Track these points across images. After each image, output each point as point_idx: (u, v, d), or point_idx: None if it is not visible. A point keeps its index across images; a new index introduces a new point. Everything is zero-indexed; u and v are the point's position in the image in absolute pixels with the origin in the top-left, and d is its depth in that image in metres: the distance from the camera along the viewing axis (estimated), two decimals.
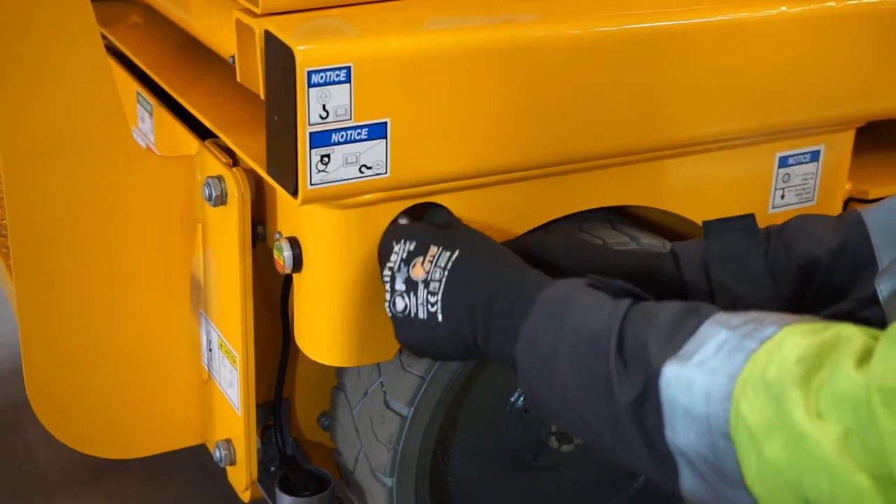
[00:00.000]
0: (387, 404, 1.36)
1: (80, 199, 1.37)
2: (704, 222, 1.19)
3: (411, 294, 1.13)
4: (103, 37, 1.73)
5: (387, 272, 1.16)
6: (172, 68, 1.60)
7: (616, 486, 1.62)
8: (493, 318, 1.07)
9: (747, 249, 1.17)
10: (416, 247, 1.15)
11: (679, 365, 0.88)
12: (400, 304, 1.15)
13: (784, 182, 1.48)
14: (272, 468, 1.52)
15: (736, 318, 0.90)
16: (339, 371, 1.47)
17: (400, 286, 1.15)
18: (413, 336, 1.15)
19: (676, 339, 0.91)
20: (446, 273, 1.11)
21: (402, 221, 1.22)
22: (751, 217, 1.18)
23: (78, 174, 1.36)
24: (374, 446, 1.37)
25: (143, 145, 1.66)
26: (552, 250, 1.24)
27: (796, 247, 1.17)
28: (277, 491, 1.44)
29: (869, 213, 1.15)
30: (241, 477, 1.48)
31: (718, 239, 1.19)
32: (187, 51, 1.63)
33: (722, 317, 0.91)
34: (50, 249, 1.38)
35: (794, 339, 0.84)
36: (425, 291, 1.12)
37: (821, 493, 0.78)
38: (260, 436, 1.50)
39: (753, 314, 0.90)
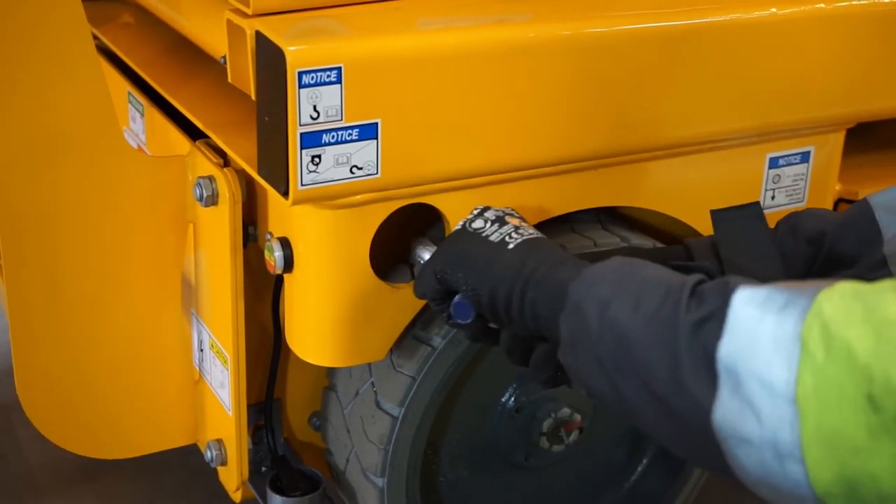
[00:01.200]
0: (378, 405, 1.36)
1: (71, 200, 1.37)
2: (712, 211, 1.19)
3: (496, 224, 1.12)
4: (95, 37, 1.73)
5: (477, 208, 1.15)
6: (164, 68, 1.60)
7: (606, 486, 1.62)
8: (562, 265, 1.04)
9: (755, 233, 1.18)
10: (515, 213, 1.15)
11: (760, 287, 0.85)
12: (478, 223, 1.13)
13: (774, 183, 1.48)
14: (263, 468, 1.52)
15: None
16: (331, 371, 1.47)
17: (490, 214, 1.14)
18: (468, 253, 1.11)
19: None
20: (534, 233, 1.10)
21: None
22: (756, 204, 1.18)
23: (69, 174, 1.36)
24: (365, 446, 1.37)
25: (135, 145, 1.66)
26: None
27: (802, 225, 1.17)
28: (268, 491, 1.44)
29: (873, 196, 1.16)
30: (233, 477, 1.48)
31: (726, 225, 1.19)
32: (179, 51, 1.63)
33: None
34: (41, 250, 1.38)
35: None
36: (511, 228, 1.11)
37: (890, 383, 0.74)
38: (251, 436, 1.50)
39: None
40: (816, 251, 1.17)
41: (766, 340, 0.81)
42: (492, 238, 1.11)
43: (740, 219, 1.19)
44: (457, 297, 1.11)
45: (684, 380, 0.86)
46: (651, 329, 0.90)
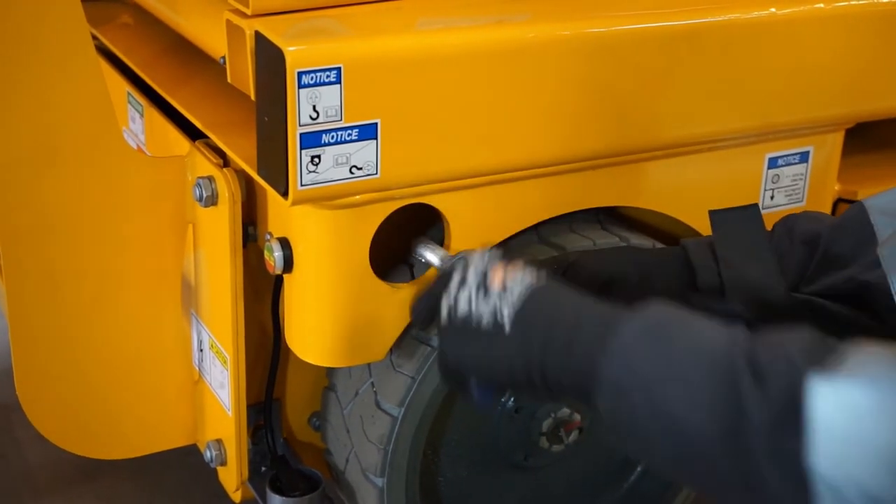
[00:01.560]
0: (377, 405, 1.36)
1: (70, 200, 1.37)
2: (710, 211, 1.19)
3: (480, 299, 1.01)
4: (94, 37, 1.74)
5: (458, 266, 1.05)
6: (163, 69, 1.60)
7: (606, 486, 1.62)
8: (576, 331, 0.95)
9: (752, 234, 1.18)
10: (499, 258, 1.05)
11: (837, 380, 0.78)
12: (463, 307, 1.02)
13: (774, 183, 1.49)
14: (263, 468, 1.52)
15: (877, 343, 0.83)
16: (330, 371, 1.47)
17: (471, 279, 1.02)
18: (467, 347, 1.02)
19: (821, 356, 0.81)
20: (528, 291, 0.99)
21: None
22: (755, 206, 1.19)
23: (69, 175, 1.36)
24: (364, 446, 1.38)
25: (134, 146, 1.66)
26: (573, 255, 1.22)
27: (798, 227, 1.18)
28: (268, 491, 1.44)
29: (869, 199, 1.16)
30: (232, 477, 1.48)
31: (724, 225, 1.19)
32: (178, 51, 1.63)
33: (861, 341, 0.84)
34: (41, 250, 1.38)
35: None
36: (498, 300, 1.00)
37: None
38: (251, 436, 1.50)
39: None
40: (812, 252, 1.17)
41: (868, 454, 0.76)
42: (484, 324, 1.00)
43: (738, 220, 1.20)
44: (474, 386, 1.05)
45: (769, 489, 0.81)
46: (714, 426, 0.82)
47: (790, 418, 0.78)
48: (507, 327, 0.98)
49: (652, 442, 0.88)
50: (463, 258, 1.09)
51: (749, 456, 0.81)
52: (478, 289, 1.01)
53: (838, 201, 1.60)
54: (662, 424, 0.86)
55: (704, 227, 1.43)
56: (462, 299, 1.02)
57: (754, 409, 0.80)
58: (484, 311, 1.00)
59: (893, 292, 0.97)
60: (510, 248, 1.33)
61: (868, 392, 0.76)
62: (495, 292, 1.00)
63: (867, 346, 0.80)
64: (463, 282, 1.03)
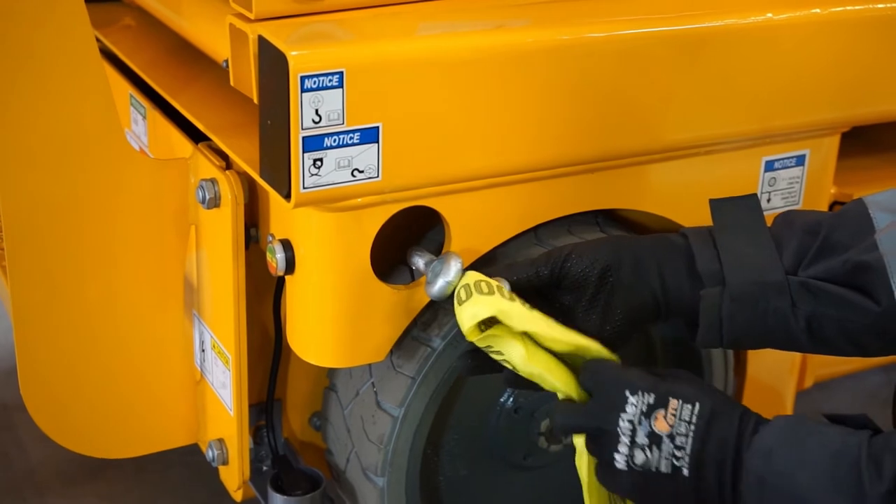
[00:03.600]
0: (378, 405, 1.37)
1: (74, 202, 1.38)
2: (711, 200, 1.19)
3: (654, 448, 1.06)
4: (97, 40, 1.75)
5: (626, 424, 1.08)
6: (166, 71, 1.61)
7: None
8: (724, 454, 1.04)
9: (751, 221, 1.19)
10: (655, 399, 1.07)
11: None
12: (640, 458, 1.07)
13: (770, 186, 1.50)
14: (264, 468, 1.53)
15: None
16: (331, 372, 1.48)
17: (642, 439, 1.07)
18: (649, 491, 1.08)
19: None
20: (692, 427, 1.05)
21: (635, 375, 1.11)
22: (753, 196, 1.19)
23: (72, 176, 1.37)
24: (365, 446, 1.39)
25: (137, 148, 1.67)
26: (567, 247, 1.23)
27: (799, 218, 1.18)
28: (269, 490, 1.45)
29: (868, 196, 1.18)
30: (234, 476, 1.49)
31: (723, 213, 1.20)
32: (181, 54, 1.64)
33: None
34: (45, 251, 1.39)
35: None
36: (671, 445, 1.05)
37: None
38: (252, 436, 1.51)
39: None
40: (811, 239, 1.18)
41: None
42: (662, 470, 1.07)
43: (737, 208, 1.20)
44: None
45: None
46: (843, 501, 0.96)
47: None
48: (685, 471, 1.05)
49: None
50: (442, 260, 1.17)
51: None
52: (647, 436, 1.07)
53: (834, 204, 1.61)
54: None
55: None
56: (636, 451, 1.08)
57: (872, 486, 0.94)
58: (657, 458, 1.07)
59: (890, 274, 1.07)
60: (504, 255, 1.34)
61: None
62: (664, 435, 1.07)
63: None
64: (633, 430, 1.08)
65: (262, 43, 1.17)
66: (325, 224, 1.23)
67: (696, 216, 1.42)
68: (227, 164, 1.39)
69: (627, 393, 1.08)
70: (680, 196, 1.44)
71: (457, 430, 1.48)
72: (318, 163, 1.16)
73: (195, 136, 1.45)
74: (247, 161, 1.30)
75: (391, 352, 1.33)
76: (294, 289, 1.30)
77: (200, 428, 1.57)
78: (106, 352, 1.48)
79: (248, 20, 1.22)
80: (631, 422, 1.08)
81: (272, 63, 1.15)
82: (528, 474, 1.55)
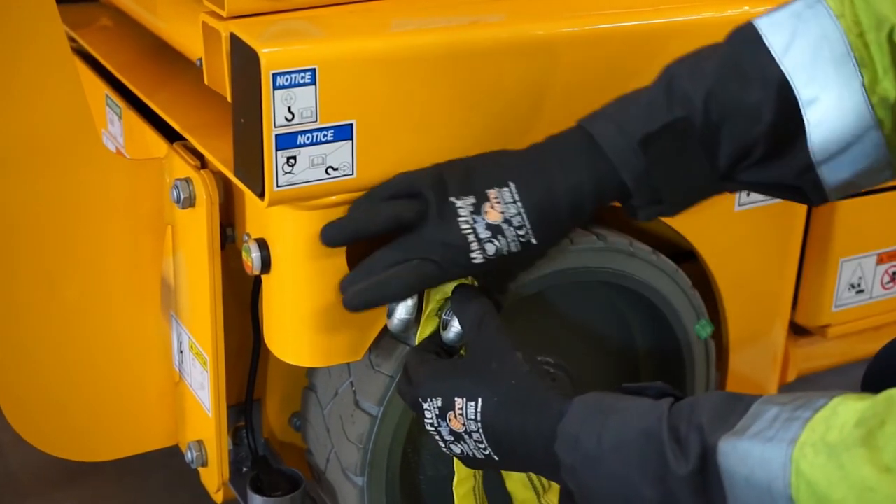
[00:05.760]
0: (357, 404, 1.36)
1: (48, 203, 1.37)
2: (640, 139, 1.17)
3: (461, 442, 1.15)
4: (73, 40, 1.74)
5: (430, 429, 1.18)
6: (141, 71, 1.60)
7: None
8: (532, 440, 1.09)
9: (681, 150, 1.17)
10: (442, 402, 1.15)
11: (735, 439, 0.92)
12: (457, 450, 1.17)
13: None
14: (244, 469, 1.53)
15: (784, 396, 0.95)
16: (310, 371, 1.47)
17: (448, 437, 1.16)
18: (483, 466, 1.19)
19: (728, 419, 0.95)
20: (480, 424, 1.12)
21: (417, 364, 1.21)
22: (683, 119, 1.16)
23: (46, 178, 1.36)
24: (344, 446, 1.38)
25: (113, 148, 1.66)
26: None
27: (728, 131, 1.16)
28: (249, 491, 1.44)
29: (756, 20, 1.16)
30: (213, 478, 1.48)
31: (654, 149, 1.18)
32: (158, 54, 1.63)
33: (769, 397, 0.96)
34: (18, 253, 1.38)
35: (847, 404, 0.89)
36: (471, 440, 1.14)
37: None
38: (231, 437, 1.51)
39: (800, 393, 0.95)
40: (745, 156, 1.17)
41: (766, 499, 0.90)
42: (478, 457, 1.15)
43: (667, 138, 1.18)
44: None
45: None
46: (653, 492, 0.97)
47: (706, 474, 0.93)
48: (496, 457, 1.13)
49: None
50: None
51: None
52: (451, 434, 1.16)
53: None
54: (609, 494, 1.01)
55: (681, 222, 1.45)
56: (451, 446, 1.17)
57: (678, 466, 0.95)
58: (469, 449, 1.15)
59: (826, 189, 1.15)
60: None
61: (755, 444, 0.91)
62: (462, 433, 1.14)
63: (767, 408, 0.93)
64: (438, 433, 1.18)
65: (234, 41, 1.16)
66: (299, 222, 1.22)
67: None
68: (203, 163, 1.38)
69: (419, 400, 1.17)
70: None
71: None
72: (292, 161, 1.16)
73: (171, 135, 1.45)
74: (221, 160, 1.29)
75: (369, 350, 1.33)
76: (270, 288, 1.30)
77: (180, 429, 1.56)
78: (83, 354, 1.47)
79: (221, 18, 1.21)
80: (433, 426, 1.16)
81: (244, 61, 1.15)
82: (498, 481, 1.55)
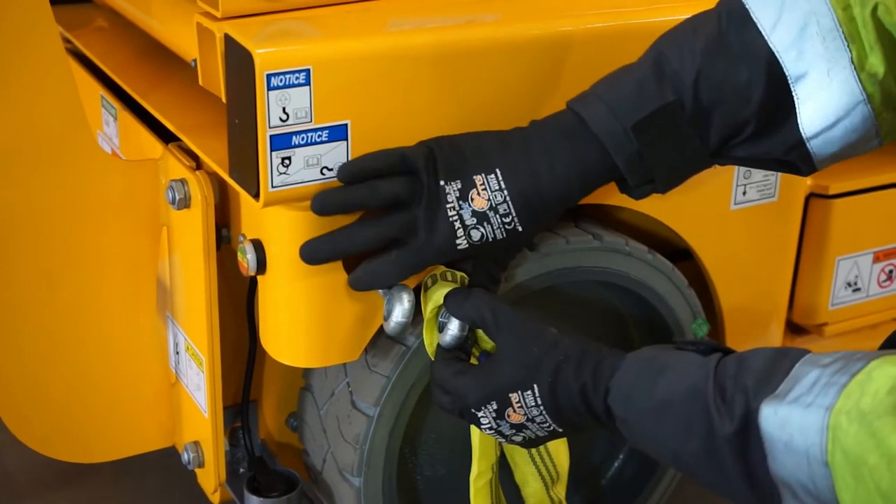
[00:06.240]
0: (353, 404, 1.36)
1: (43, 205, 1.37)
2: (633, 124, 1.17)
3: (524, 430, 1.17)
4: (68, 41, 1.74)
5: (490, 432, 1.19)
6: (136, 72, 1.60)
7: (584, 481, 1.63)
8: (592, 401, 1.12)
9: (675, 130, 1.17)
10: (498, 405, 1.16)
11: (776, 403, 0.94)
12: (518, 439, 1.19)
13: (745, 179, 1.50)
14: (241, 470, 1.53)
15: (826, 357, 0.96)
16: (307, 372, 1.47)
17: (510, 431, 1.18)
18: (544, 442, 1.21)
19: (772, 380, 0.96)
20: (542, 407, 1.14)
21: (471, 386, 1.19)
22: (675, 103, 1.16)
23: (40, 180, 1.36)
24: (341, 446, 1.38)
25: (109, 150, 1.66)
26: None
27: (719, 111, 1.16)
28: (246, 492, 1.44)
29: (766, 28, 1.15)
30: (210, 479, 1.48)
31: (646, 134, 1.18)
32: (153, 55, 1.63)
33: (813, 357, 0.97)
34: (14, 254, 1.38)
35: (883, 369, 0.90)
36: (534, 425, 1.15)
37: None
38: (228, 438, 1.51)
39: (842, 353, 0.96)
40: (736, 133, 1.17)
41: (803, 463, 0.92)
42: (541, 435, 1.18)
43: (659, 121, 1.18)
44: None
45: (740, 490, 0.99)
46: (698, 448, 1.00)
47: (748, 434, 0.96)
48: (560, 430, 1.16)
49: (663, 460, 1.08)
50: (392, 297, 1.23)
51: (727, 470, 0.98)
52: (512, 428, 1.17)
53: (810, 196, 1.61)
54: (658, 447, 1.06)
55: (674, 222, 1.45)
56: (514, 438, 1.19)
57: (721, 425, 0.97)
58: (532, 432, 1.17)
59: (816, 161, 1.16)
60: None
61: (794, 409, 0.93)
62: (524, 421, 1.16)
63: (808, 370, 0.95)
64: (499, 429, 1.19)
65: (229, 41, 1.16)
66: (295, 223, 1.22)
67: (670, 209, 1.43)
68: (198, 164, 1.38)
69: (472, 411, 1.17)
70: None
71: (435, 429, 1.47)
72: (287, 161, 1.16)
73: (166, 136, 1.45)
74: (216, 161, 1.29)
75: (366, 351, 1.33)
76: (266, 289, 1.30)
77: (177, 430, 1.56)
78: (79, 356, 1.47)
79: (215, 19, 1.21)
80: (492, 428, 1.17)
81: (238, 61, 1.14)
82: (506, 473, 1.55)
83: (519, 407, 1.14)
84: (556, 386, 1.12)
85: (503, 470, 1.36)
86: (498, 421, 1.16)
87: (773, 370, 0.97)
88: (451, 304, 1.21)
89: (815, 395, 0.92)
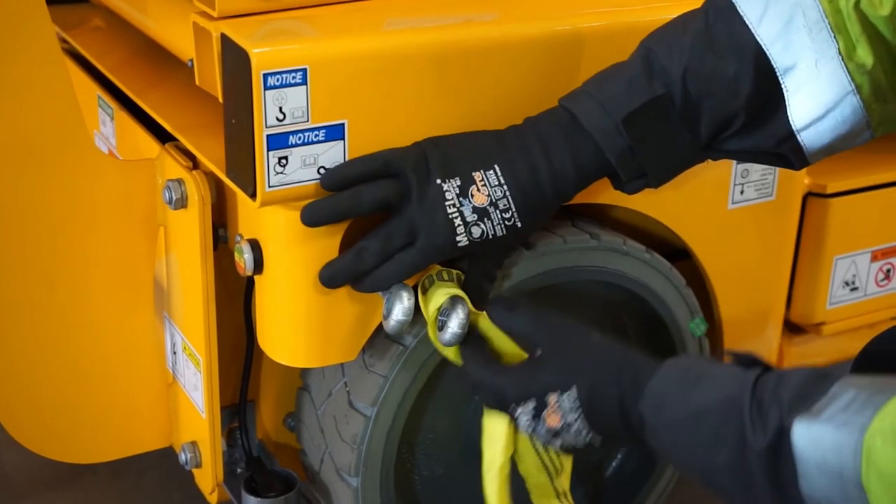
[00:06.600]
0: (351, 404, 1.36)
1: (39, 205, 1.37)
2: (623, 118, 1.17)
3: (563, 435, 1.13)
4: (65, 41, 1.74)
5: (527, 433, 1.17)
6: (133, 72, 1.60)
7: (584, 478, 1.63)
8: (629, 408, 1.08)
9: (663, 124, 1.18)
10: (536, 403, 1.13)
11: (810, 421, 0.91)
12: (557, 444, 1.15)
13: (743, 178, 1.49)
14: (238, 470, 1.52)
15: (865, 378, 0.94)
16: (304, 372, 1.47)
17: (546, 437, 1.14)
18: (581, 448, 1.18)
19: (808, 398, 0.93)
20: (579, 413, 1.11)
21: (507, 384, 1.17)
22: (664, 96, 1.17)
23: (37, 180, 1.36)
24: (338, 446, 1.38)
25: (106, 150, 1.66)
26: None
27: (708, 104, 1.17)
28: (243, 492, 1.44)
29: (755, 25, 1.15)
30: (207, 479, 1.48)
31: (636, 126, 1.18)
32: (149, 55, 1.63)
33: (852, 378, 0.95)
34: (11, 255, 1.38)
35: None
36: (571, 430, 1.12)
37: None
38: (226, 438, 1.50)
39: (883, 377, 0.94)
40: (726, 126, 1.18)
41: (837, 483, 0.89)
42: (578, 445, 1.15)
43: (649, 115, 1.18)
44: None
45: None
46: (728, 460, 0.96)
47: (780, 451, 0.93)
48: (597, 442, 1.14)
49: (686, 470, 1.04)
50: (391, 297, 1.23)
51: (756, 486, 0.95)
52: (547, 432, 1.14)
53: (808, 195, 1.61)
54: (687, 458, 1.02)
55: (671, 221, 1.45)
56: (552, 440, 1.15)
57: (755, 438, 0.94)
58: (569, 439, 1.13)
59: (807, 154, 1.16)
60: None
61: (828, 428, 0.90)
62: (560, 426, 1.13)
63: (845, 390, 0.92)
64: (533, 426, 1.15)
65: (225, 41, 1.16)
66: (292, 223, 1.22)
67: (667, 208, 1.43)
68: (195, 164, 1.37)
69: (512, 406, 1.15)
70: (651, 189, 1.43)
71: (432, 428, 1.47)
72: (284, 161, 1.15)
73: (163, 136, 1.44)
74: (213, 161, 1.29)
75: (363, 351, 1.32)
76: (263, 289, 1.29)
77: (174, 431, 1.56)
78: (76, 356, 1.46)
79: (212, 18, 1.21)
80: (529, 427, 1.15)
81: (235, 61, 1.14)
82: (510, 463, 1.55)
83: (557, 408, 1.12)
84: (594, 390, 1.10)
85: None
86: (535, 421, 1.14)
87: (811, 387, 0.94)
88: (497, 317, 1.20)
89: (851, 414, 0.89)
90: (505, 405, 1.16)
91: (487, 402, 1.19)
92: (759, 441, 0.93)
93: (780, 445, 0.92)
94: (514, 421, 1.17)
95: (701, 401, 1.00)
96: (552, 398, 1.12)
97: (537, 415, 1.13)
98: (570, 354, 1.13)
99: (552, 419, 1.12)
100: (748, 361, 1.05)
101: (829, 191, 1.60)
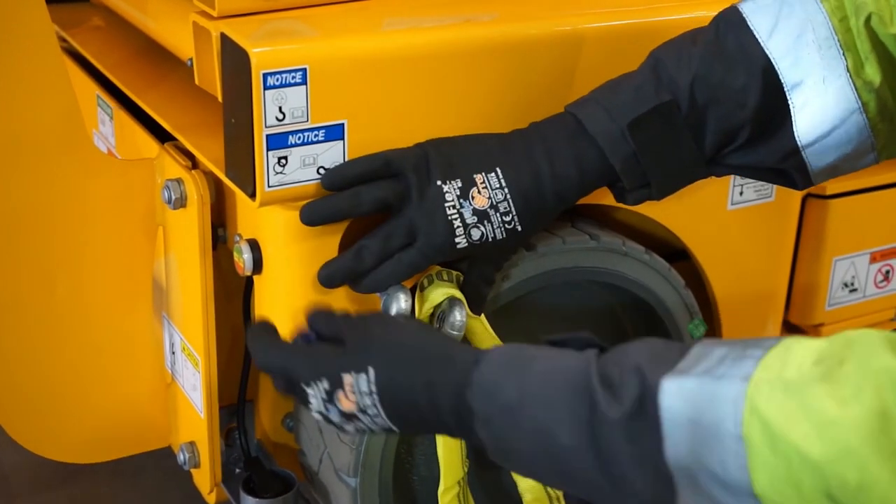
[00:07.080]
0: None
1: (39, 204, 1.37)
2: (628, 123, 1.16)
3: (356, 421, 1.06)
4: (64, 40, 1.74)
5: (318, 417, 1.08)
6: (132, 71, 1.60)
7: None
8: (439, 395, 1.00)
9: (670, 132, 1.17)
10: (330, 384, 1.05)
11: (681, 377, 0.86)
12: (350, 428, 1.08)
13: (742, 179, 1.49)
14: (237, 470, 1.52)
15: (726, 341, 0.90)
16: None
17: (339, 420, 1.07)
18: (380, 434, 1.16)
19: (668, 359, 0.88)
20: (376, 396, 1.03)
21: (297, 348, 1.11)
22: (667, 104, 1.16)
23: (35, 179, 1.36)
24: (337, 447, 1.38)
25: (105, 149, 1.66)
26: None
27: (714, 114, 1.16)
28: (242, 493, 1.44)
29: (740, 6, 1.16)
30: (206, 479, 1.48)
31: (641, 132, 1.18)
32: (149, 54, 1.62)
33: (710, 340, 0.91)
34: (9, 254, 1.38)
35: (802, 343, 0.84)
36: (368, 417, 1.04)
37: (846, 485, 0.76)
38: (224, 438, 1.50)
39: (737, 340, 0.90)
40: (731, 139, 1.18)
41: (710, 441, 0.83)
42: (377, 432, 1.09)
43: (654, 121, 1.18)
44: None
45: (630, 487, 0.88)
46: (578, 439, 0.89)
47: (642, 417, 0.86)
48: (396, 429, 1.05)
49: (531, 464, 0.95)
50: (389, 297, 1.21)
51: (614, 462, 0.88)
52: (341, 416, 1.06)
53: (807, 196, 1.61)
54: (530, 445, 0.93)
55: (672, 221, 1.45)
56: (346, 427, 1.07)
57: (609, 409, 0.87)
58: (366, 426, 1.06)
59: (811, 172, 1.17)
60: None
61: (704, 381, 0.84)
62: (355, 412, 1.05)
63: (711, 349, 0.87)
64: (327, 419, 1.07)
65: (225, 40, 1.16)
66: (291, 223, 1.22)
67: (667, 209, 1.42)
68: (194, 163, 1.37)
69: (302, 386, 1.07)
70: None
71: None
72: (283, 161, 1.15)
73: (162, 136, 1.44)
74: (212, 160, 1.28)
75: None
76: (262, 289, 1.29)
77: (172, 431, 1.55)
78: (75, 356, 1.46)
79: (211, 18, 1.21)
80: (321, 413, 1.07)
81: (235, 61, 1.14)
82: (504, 472, 1.55)
83: (351, 391, 1.03)
84: (394, 376, 1.02)
85: (507, 478, 1.35)
86: (327, 405, 1.06)
87: (666, 352, 0.89)
88: (310, 320, 1.14)
89: (728, 367, 0.84)
90: (294, 386, 1.08)
91: (276, 384, 1.11)
92: (614, 410, 0.87)
93: (643, 411, 0.86)
94: (304, 405, 1.08)
95: (537, 381, 0.93)
96: (347, 379, 1.04)
97: (329, 399, 1.05)
98: (370, 337, 1.06)
99: (346, 403, 1.04)
100: (582, 344, 0.98)
101: (829, 192, 1.60)
